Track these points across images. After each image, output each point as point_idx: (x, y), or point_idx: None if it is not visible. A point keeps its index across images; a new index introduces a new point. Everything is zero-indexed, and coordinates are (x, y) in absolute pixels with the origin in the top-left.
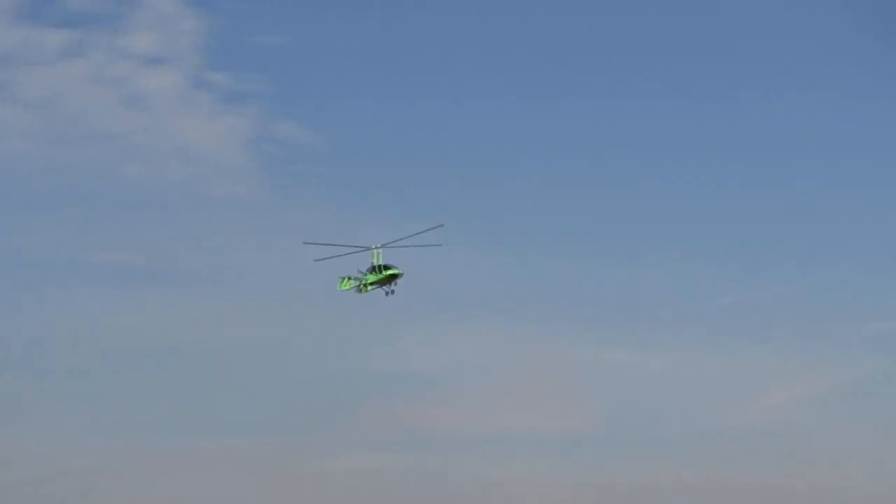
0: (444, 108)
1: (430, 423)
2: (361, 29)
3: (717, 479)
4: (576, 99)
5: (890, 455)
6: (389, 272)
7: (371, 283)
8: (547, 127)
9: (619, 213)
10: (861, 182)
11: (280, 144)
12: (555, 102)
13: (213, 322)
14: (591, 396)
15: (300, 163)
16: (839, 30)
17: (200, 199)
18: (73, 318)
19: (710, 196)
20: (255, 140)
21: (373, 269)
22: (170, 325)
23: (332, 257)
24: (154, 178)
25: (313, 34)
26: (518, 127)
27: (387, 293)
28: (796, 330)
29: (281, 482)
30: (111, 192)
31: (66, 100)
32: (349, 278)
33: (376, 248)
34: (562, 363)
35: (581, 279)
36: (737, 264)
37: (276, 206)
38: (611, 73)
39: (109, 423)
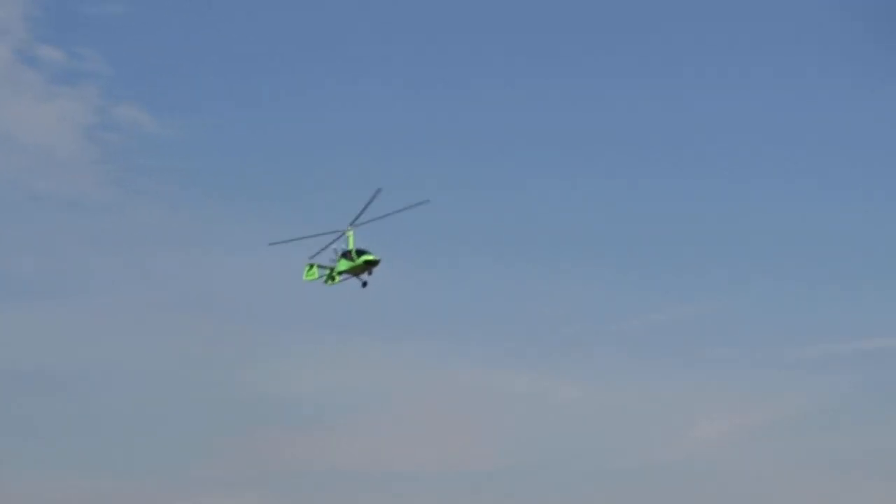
0: (312, 93)
1: (311, 458)
2: None
3: None
4: (467, 93)
5: (834, 494)
6: (364, 258)
7: (342, 272)
8: (437, 122)
9: (526, 219)
10: (802, 192)
11: (122, 132)
12: (442, 95)
13: (47, 342)
14: (495, 428)
15: (146, 154)
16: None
17: (29, 197)
18: None
19: (630, 199)
20: (93, 127)
21: (345, 255)
22: None
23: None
24: None
25: (158, 3)
26: (402, 119)
27: (362, 284)
28: (730, 354)
29: None
30: None
31: None
32: (317, 266)
33: (349, 229)
34: (460, 390)
35: (483, 294)
36: (662, 278)
37: (118, 205)
38: (501, 66)
39: None
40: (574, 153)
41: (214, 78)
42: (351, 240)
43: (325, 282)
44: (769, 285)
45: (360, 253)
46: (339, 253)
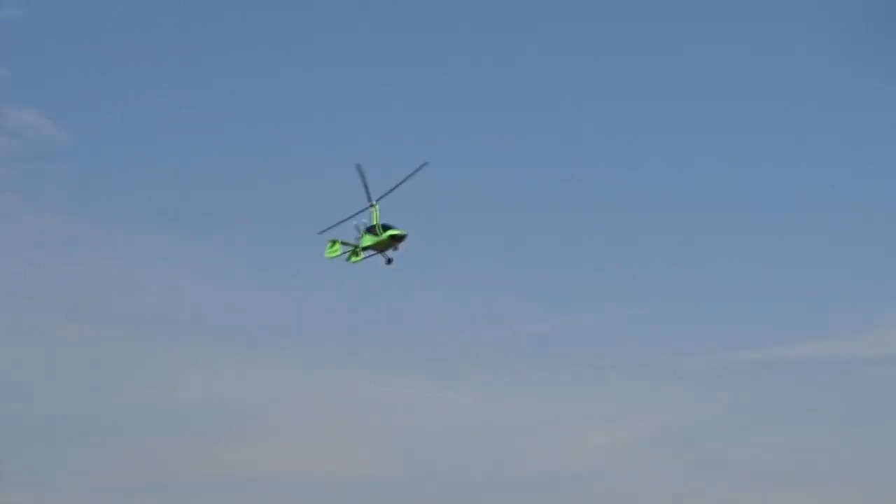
0: (214, 98)
1: (202, 465)
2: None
3: None
4: (358, 90)
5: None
6: (390, 233)
7: (366, 248)
8: (321, 123)
9: (422, 224)
10: (697, 190)
11: (20, 137)
12: (331, 92)
13: None
14: (386, 437)
15: (44, 159)
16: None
17: None
18: None
19: (523, 205)
20: None
21: (370, 230)
22: None
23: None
24: None
25: (58, 6)
26: (286, 127)
27: (387, 261)
28: (625, 362)
29: None
30: None
31: None
32: (339, 242)
33: (374, 203)
34: (351, 398)
35: (374, 300)
36: (553, 286)
37: (15, 210)
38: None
39: None
40: (468, 155)
41: (114, 82)
42: (376, 214)
43: (349, 258)
44: (661, 294)
45: (385, 228)
46: (363, 228)
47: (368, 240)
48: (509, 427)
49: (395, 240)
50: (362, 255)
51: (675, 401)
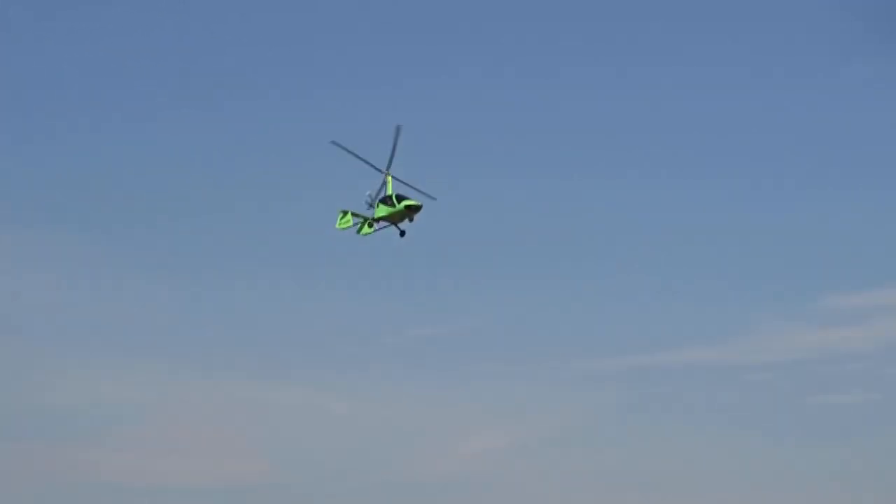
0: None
1: (77, 470)
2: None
3: None
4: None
5: None
6: (406, 203)
7: (380, 219)
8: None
9: (300, 232)
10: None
11: None
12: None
13: None
14: (263, 443)
15: None
16: None
17: None
18: None
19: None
20: None
21: (384, 201)
22: None
23: None
24: None
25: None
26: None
27: (400, 233)
28: (499, 368)
29: None
30: None
31: None
32: (351, 213)
33: (388, 173)
34: (232, 403)
35: (255, 307)
36: (433, 291)
37: None
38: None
39: None
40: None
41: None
42: (389, 185)
43: (360, 231)
44: (542, 299)
45: (399, 198)
46: (377, 199)
47: (383, 211)
48: (390, 432)
49: (411, 210)
50: (375, 226)
51: (552, 406)
